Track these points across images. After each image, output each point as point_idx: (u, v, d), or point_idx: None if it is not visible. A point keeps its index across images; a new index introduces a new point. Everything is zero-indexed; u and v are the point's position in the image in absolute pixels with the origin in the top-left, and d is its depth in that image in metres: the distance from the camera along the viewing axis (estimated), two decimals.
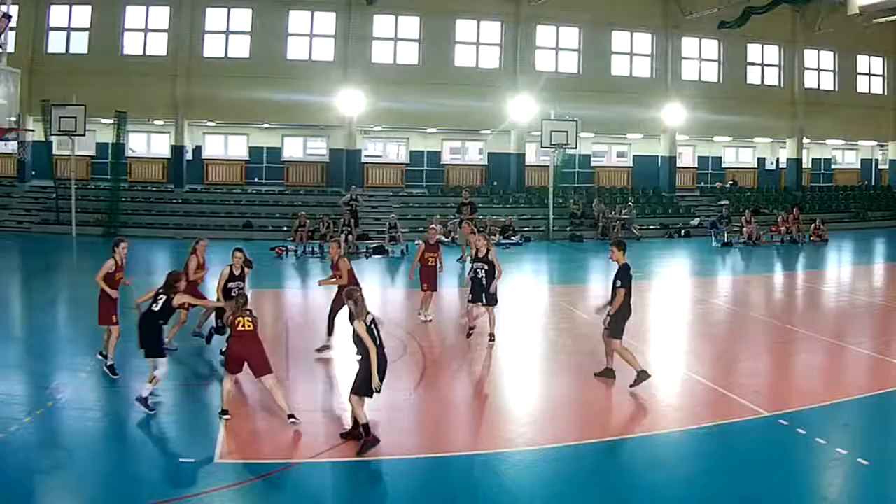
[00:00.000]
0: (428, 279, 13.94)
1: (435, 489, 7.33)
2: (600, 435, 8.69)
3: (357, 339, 7.84)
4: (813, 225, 28.15)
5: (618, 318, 9.95)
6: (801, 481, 7.48)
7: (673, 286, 19.65)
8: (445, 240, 26.17)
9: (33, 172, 28.23)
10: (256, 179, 31.66)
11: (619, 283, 9.90)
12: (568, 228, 28.60)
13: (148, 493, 6.83)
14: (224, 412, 8.57)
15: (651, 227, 29.81)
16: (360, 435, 7.95)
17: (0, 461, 7.39)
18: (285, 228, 25.40)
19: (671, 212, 31.63)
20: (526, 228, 28.04)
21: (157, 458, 7.66)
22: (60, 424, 8.48)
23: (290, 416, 8.47)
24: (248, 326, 8.56)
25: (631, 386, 9.77)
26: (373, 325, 7.94)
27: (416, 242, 25.77)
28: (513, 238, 26.72)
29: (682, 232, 29.74)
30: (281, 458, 7.70)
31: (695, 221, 30.73)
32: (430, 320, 13.74)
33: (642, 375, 9.81)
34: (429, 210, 28.44)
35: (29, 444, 7.83)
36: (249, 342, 8.56)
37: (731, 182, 35.97)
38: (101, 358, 10.36)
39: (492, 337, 12.39)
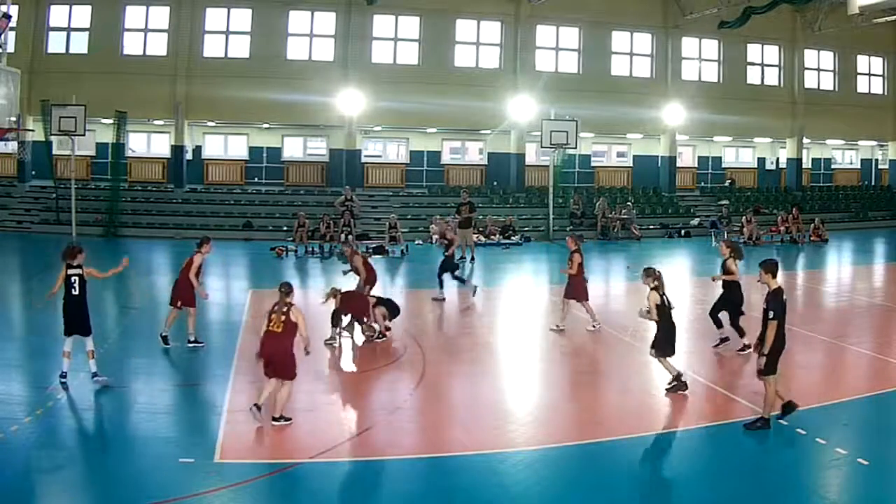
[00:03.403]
0: None
1: (435, 489, 7.33)
2: (600, 435, 8.69)
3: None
4: (812, 225, 28.15)
5: (773, 353, 8.51)
6: (802, 481, 7.48)
7: (673, 286, 19.59)
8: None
9: (33, 172, 28.21)
10: (256, 179, 31.65)
11: (770, 313, 8.41)
12: (568, 228, 28.55)
13: (148, 493, 6.83)
14: (277, 418, 8.47)
15: (651, 227, 29.81)
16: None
17: (0, 461, 7.38)
18: (285, 228, 25.40)
19: (671, 212, 31.62)
20: (526, 228, 28.04)
21: (157, 458, 7.65)
22: (60, 424, 8.49)
23: (276, 417, 8.45)
24: (276, 328, 8.45)
25: (746, 426, 8.58)
26: (665, 297, 9.65)
27: (417, 242, 25.85)
28: (513, 238, 26.73)
29: (682, 232, 29.74)
30: (281, 458, 7.70)
31: (695, 221, 30.73)
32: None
33: (768, 421, 8.58)
34: (429, 210, 28.44)
35: (29, 444, 7.83)
36: (271, 343, 8.47)
37: (728, 182, 36.00)
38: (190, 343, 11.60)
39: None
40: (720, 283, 12.30)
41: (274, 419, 8.41)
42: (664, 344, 9.78)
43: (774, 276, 8.69)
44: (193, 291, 11.54)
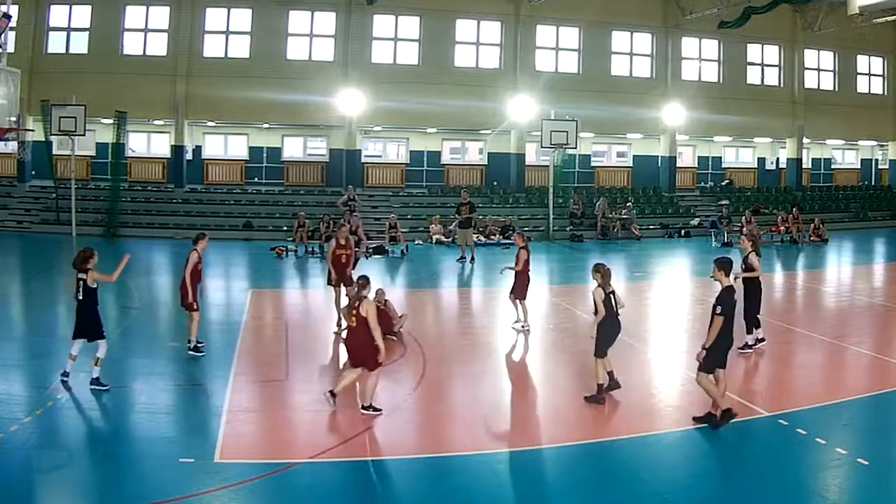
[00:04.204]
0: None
1: (435, 489, 7.33)
2: (600, 435, 8.70)
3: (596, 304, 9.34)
4: (812, 225, 28.16)
5: (714, 349, 8.54)
6: (801, 481, 7.48)
7: (673, 286, 19.65)
8: (446, 240, 26.20)
9: (33, 172, 28.22)
10: (256, 179, 31.65)
11: (718, 308, 8.48)
12: (568, 228, 28.60)
13: (148, 493, 6.83)
14: (366, 407, 8.85)
15: (651, 227, 29.81)
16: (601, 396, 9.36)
17: (0, 461, 7.38)
18: (285, 228, 25.40)
19: (671, 212, 31.63)
20: (526, 228, 27.98)
21: (157, 458, 7.65)
22: (60, 424, 8.48)
23: (365, 406, 8.81)
24: (352, 323, 8.78)
25: (695, 419, 8.70)
26: (611, 295, 9.38)
27: (417, 242, 25.86)
28: (513, 238, 26.68)
29: (682, 232, 29.74)
30: (281, 458, 7.70)
31: (695, 221, 30.74)
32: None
33: (715, 417, 8.62)
34: (429, 210, 28.46)
35: (29, 444, 7.83)
36: (349, 337, 8.89)
37: (726, 181, 36.00)
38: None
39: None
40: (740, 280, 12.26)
41: (363, 408, 8.79)
42: (603, 344, 9.53)
43: (727, 275, 8.83)
44: (194, 293, 11.39)
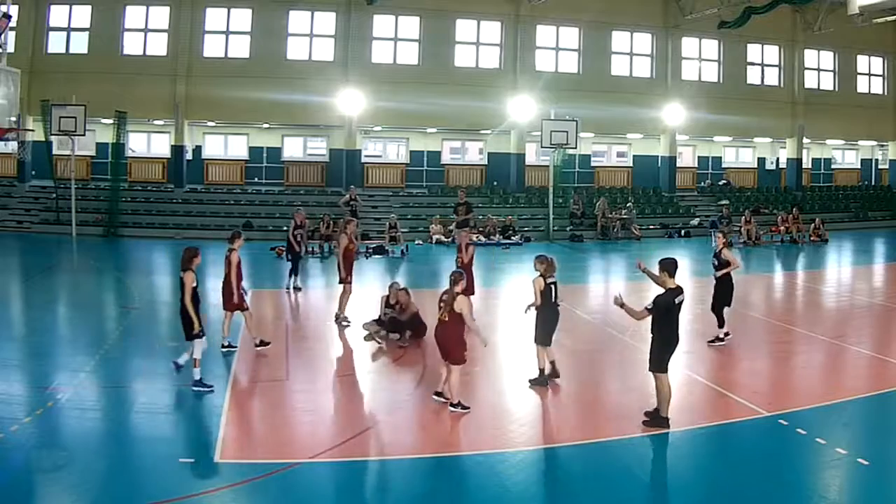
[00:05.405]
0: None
1: (435, 489, 7.33)
2: (600, 435, 8.70)
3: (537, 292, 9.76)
4: (812, 225, 28.17)
5: (661, 350, 8.61)
6: (801, 481, 7.49)
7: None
8: (446, 240, 26.20)
9: (33, 172, 28.21)
10: (256, 179, 31.65)
11: (650, 305, 8.60)
12: (568, 228, 28.60)
13: (148, 493, 6.83)
14: (455, 405, 9.03)
15: (651, 227, 29.82)
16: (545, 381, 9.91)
17: (0, 461, 7.38)
18: (285, 229, 25.34)
19: (671, 212, 31.63)
20: (526, 228, 28.05)
21: (157, 458, 7.65)
22: (60, 424, 8.48)
23: (454, 404, 9.02)
24: (444, 318, 9.00)
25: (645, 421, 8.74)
26: (552, 286, 9.76)
27: (417, 242, 25.86)
28: (513, 238, 26.72)
29: (682, 232, 29.75)
30: (281, 458, 7.70)
31: (695, 221, 30.75)
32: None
33: (662, 421, 8.63)
34: (429, 210, 28.46)
35: (29, 444, 7.84)
36: (440, 331, 9.12)
37: (723, 182, 36.00)
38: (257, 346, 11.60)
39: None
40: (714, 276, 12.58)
41: (452, 406, 8.98)
42: (542, 332, 10.05)
43: (671, 276, 8.74)
44: (240, 293, 11.47)
